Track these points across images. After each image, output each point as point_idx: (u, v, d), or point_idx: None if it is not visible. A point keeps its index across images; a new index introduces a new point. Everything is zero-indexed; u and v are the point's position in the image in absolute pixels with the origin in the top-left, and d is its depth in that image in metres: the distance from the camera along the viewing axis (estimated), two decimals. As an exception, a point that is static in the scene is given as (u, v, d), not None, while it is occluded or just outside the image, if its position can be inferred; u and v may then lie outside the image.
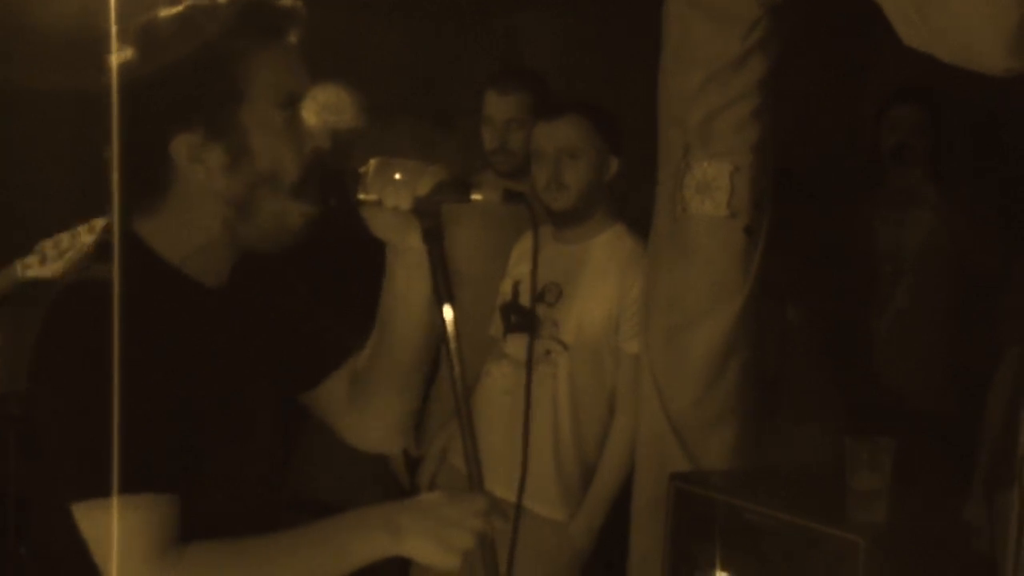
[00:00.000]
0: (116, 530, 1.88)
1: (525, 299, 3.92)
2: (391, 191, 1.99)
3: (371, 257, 2.25)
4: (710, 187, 3.59)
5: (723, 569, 3.16)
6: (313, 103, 1.98)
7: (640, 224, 3.88)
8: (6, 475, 4.88)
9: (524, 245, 4.02)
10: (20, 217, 5.46)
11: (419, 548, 1.95)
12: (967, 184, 4.98)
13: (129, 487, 1.86)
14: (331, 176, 2.01)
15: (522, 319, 3.91)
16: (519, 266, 4.00)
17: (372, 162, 2.01)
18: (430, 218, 2.00)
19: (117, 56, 1.96)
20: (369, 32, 5.71)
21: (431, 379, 4.32)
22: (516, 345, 3.91)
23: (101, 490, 1.84)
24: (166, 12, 1.97)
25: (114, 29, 1.98)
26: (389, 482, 4.53)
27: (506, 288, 4.00)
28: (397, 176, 1.98)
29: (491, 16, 6.23)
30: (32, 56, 4.91)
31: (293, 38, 2.01)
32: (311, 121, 1.98)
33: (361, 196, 2.00)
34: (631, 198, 4.17)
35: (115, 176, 1.97)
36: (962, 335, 4.72)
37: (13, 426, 4.81)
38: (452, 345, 1.99)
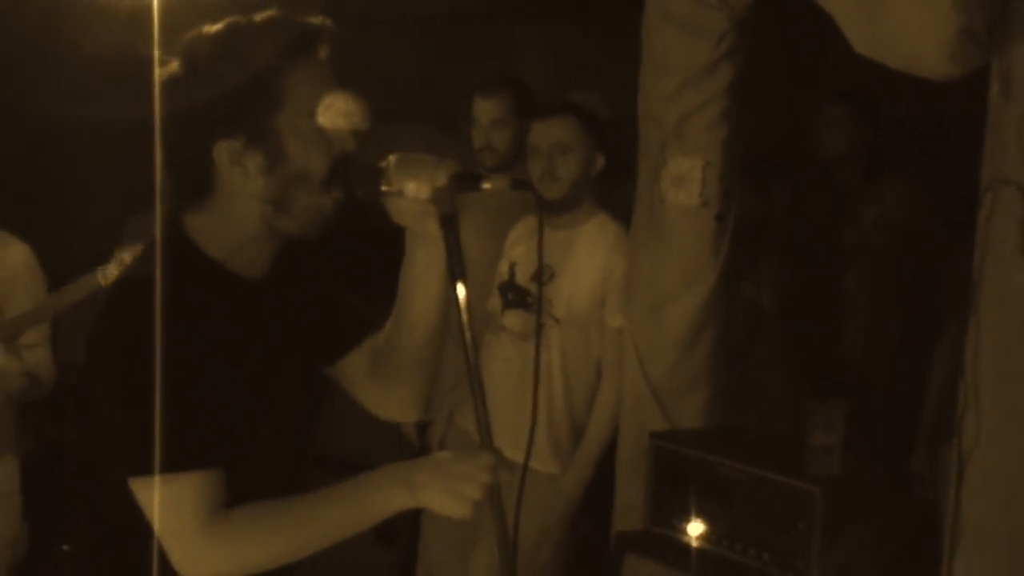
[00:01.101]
0: (169, 501, 1.90)
1: (521, 278, 3.93)
2: (411, 183, 2.00)
3: (388, 245, 2.26)
4: (684, 180, 3.60)
5: (697, 517, 3.17)
6: (329, 110, 1.99)
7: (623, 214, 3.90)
8: (64, 440, 4.89)
9: (519, 230, 4.04)
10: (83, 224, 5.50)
11: (435, 500, 1.97)
12: (905, 178, 4.97)
13: (181, 465, 1.89)
14: (357, 171, 2.02)
15: (518, 296, 3.92)
16: (515, 248, 4.01)
17: (392, 157, 2.02)
18: (446, 206, 2.01)
19: (163, 71, 1.97)
20: (378, 43, 5.71)
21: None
22: (513, 320, 3.92)
23: (155, 467, 1.86)
24: (208, 30, 1.97)
25: (157, 50, 1.99)
26: (402, 443, 4.54)
27: (503, 268, 4.01)
28: (416, 169, 2.00)
29: (490, 28, 6.23)
30: (80, 85, 4.93)
31: (323, 53, 2.02)
32: (327, 124, 1.99)
33: (384, 188, 2.01)
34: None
35: (158, 181, 1.99)
36: (909, 314, 4.73)
37: (71, 394, 4.82)
38: (464, 317, 2.00)
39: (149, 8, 2.41)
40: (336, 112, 1.99)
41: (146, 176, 2.03)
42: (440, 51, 6.24)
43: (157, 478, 1.87)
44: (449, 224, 2.02)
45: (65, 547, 4.71)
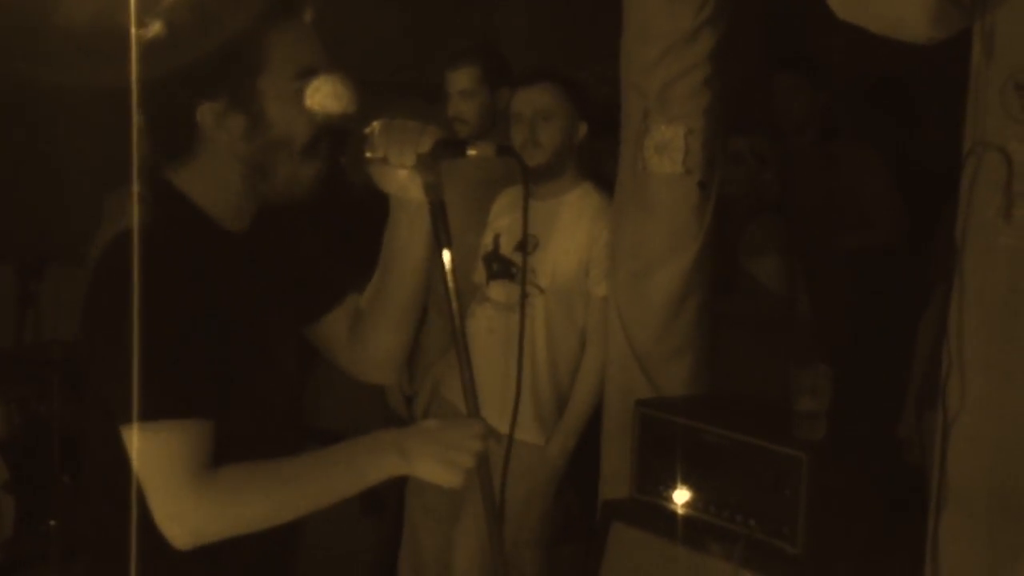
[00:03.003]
0: (157, 450, 1.89)
1: (505, 249, 3.92)
2: (396, 149, 1.99)
3: (369, 213, 2.26)
4: (667, 147, 3.59)
5: (683, 484, 3.17)
6: (318, 93, 1.98)
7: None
8: (51, 414, 4.88)
9: (503, 200, 4.03)
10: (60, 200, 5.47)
11: (426, 468, 1.97)
12: (859, 142, 4.96)
13: (170, 412, 1.88)
14: (340, 137, 2.01)
15: (503, 267, 3.91)
16: (500, 219, 4.00)
17: (376, 124, 2.01)
18: (431, 173, 2.00)
19: (143, 33, 1.95)
20: (365, 16, 5.68)
21: (420, 325, 4.33)
22: (497, 290, 3.92)
23: (146, 414, 1.85)
24: None
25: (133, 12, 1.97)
26: (388, 414, 4.54)
27: (488, 240, 4.00)
28: (400, 136, 1.99)
29: (471, 7, 6.23)
30: (61, 53, 4.88)
31: (307, 16, 2.01)
32: (314, 107, 1.97)
33: (368, 154, 2.01)
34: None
35: (136, 133, 1.98)
36: (877, 281, 4.73)
37: (58, 369, 4.82)
38: (451, 284, 1.99)
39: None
40: (325, 94, 1.98)
41: (123, 146, 2.02)
42: (427, 24, 6.22)
43: (145, 424, 1.86)
44: (434, 190, 2.01)
45: (52, 522, 4.70)
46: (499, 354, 3.74)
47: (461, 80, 4.29)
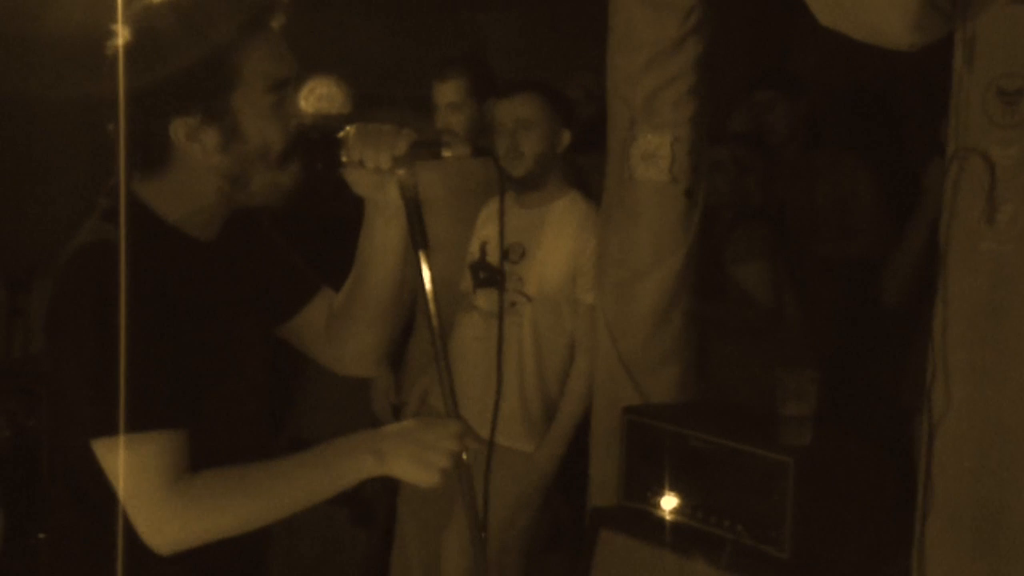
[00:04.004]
0: (133, 462, 1.88)
1: (491, 257, 3.93)
2: (371, 152, 1.99)
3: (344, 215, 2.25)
4: (654, 156, 3.60)
5: (671, 490, 3.17)
6: (311, 95, 1.98)
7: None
8: (38, 429, 4.87)
9: (489, 209, 4.04)
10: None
11: (402, 468, 1.97)
12: (842, 151, 4.98)
13: (143, 424, 1.87)
14: (316, 144, 2.01)
15: (489, 275, 3.92)
16: (485, 228, 4.01)
17: (350, 128, 2.01)
18: (406, 175, 2.00)
19: (112, 43, 1.95)
20: (351, 28, 5.70)
21: (408, 332, 4.34)
22: (484, 298, 3.92)
23: (118, 428, 1.84)
24: (160, 2, 1.96)
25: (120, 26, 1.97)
26: (375, 423, 4.53)
27: (474, 248, 4.00)
28: (375, 139, 1.99)
29: (458, 13, 6.24)
30: (38, 66, 4.88)
31: (277, 24, 2.00)
32: (309, 109, 1.98)
33: (344, 159, 2.01)
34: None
35: (120, 148, 1.97)
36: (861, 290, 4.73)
37: (44, 382, 4.80)
38: (428, 285, 1.99)
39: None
40: (318, 97, 1.98)
41: (108, 160, 2.02)
42: (412, 35, 6.23)
43: (118, 438, 1.85)
44: (410, 193, 2.01)
45: (41, 535, 4.69)
46: (486, 362, 3.73)
47: (449, 92, 4.28)
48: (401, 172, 2.00)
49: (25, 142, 5.88)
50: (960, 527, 2.67)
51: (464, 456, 2.00)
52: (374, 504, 4.79)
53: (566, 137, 3.89)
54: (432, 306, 1.99)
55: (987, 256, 2.64)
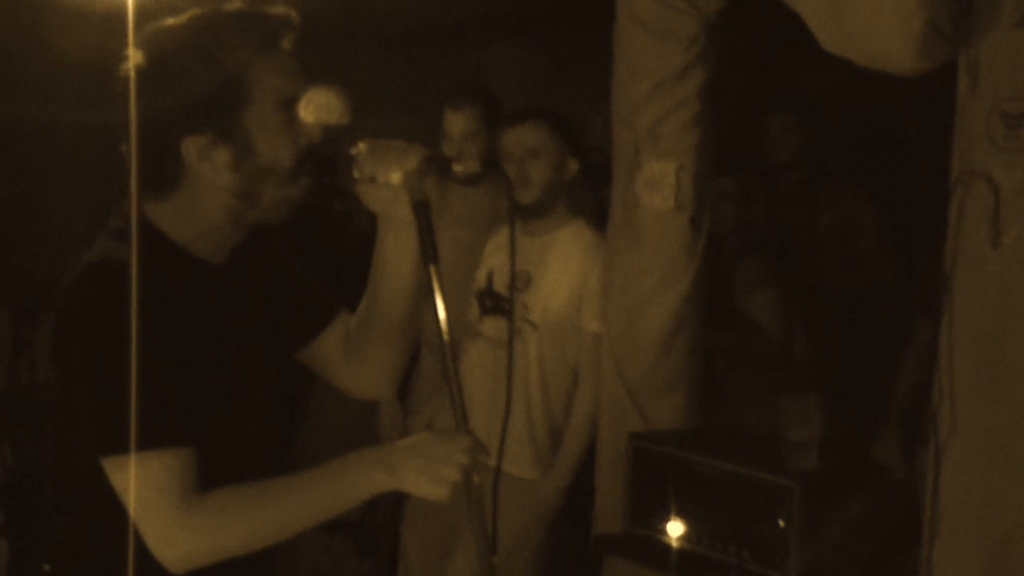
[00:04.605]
0: (144, 480, 1.89)
1: (498, 285, 3.93)
2: (383, 168, 2.00)
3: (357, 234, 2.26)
4: (658, 183, 3.61)
5: (677, 515, 3.16)
6: (311, 104, 1.99)
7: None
8: (43, 459, 4.87)
9: (497, 239, 4.04)
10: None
11: (412, 482, 1.96)
12: (847, 182, 4.99)
13: (154, 443, 1.88)
14: (325, 159, 2.02)
15: (496, 303, 3.92)
16: (493, 257, 4.01)
17: (362, 144, 2.02)
18: (418, 190, 2.01)
19: (125, 65, 1.96)
20: (352, 61, 5.72)
21: (413, 361, 4.33)
22: (490, 326, 3.92)
23: (128, 446, 1.85)
24: (172, 23, 1.97)
25: (131, 47, 1.98)
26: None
27: (481, 277, 4.00)
28: (387, 155, 2.00)
29: (463, 50, 6.27)
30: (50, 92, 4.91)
31: (287, 43, 2.02)
32: (308, 119, 1.99)
33: (356, 174, 2.02)
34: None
35: (133, 169, 1.98)
36: (864, 315, 4.74)
37: (51, 413, 4.80)
38: (438, 300, 1.99)
39: (109, 9, 2.40)
40: (318, 107, 1.99)
41: (116, 189, 2.02)
42: (415, 67, 6.27)
43: (128, 457, 1.85)
44: (421, 208, 2.02)
45: (46, 567, 4.67)
46: (491, 390, 3.73)
47: (463, 122, 4.29)
48: (412, 187, 2.01)
49: (31, 175, 5.92)
50: (967, 550, 2.67)
51: (476, 479, 2.00)
52: (377, 535, 4.78)
53: (573, 165, 3.90)
54: (443, 316, 2.00)
55: (992, 279, 2.64)
